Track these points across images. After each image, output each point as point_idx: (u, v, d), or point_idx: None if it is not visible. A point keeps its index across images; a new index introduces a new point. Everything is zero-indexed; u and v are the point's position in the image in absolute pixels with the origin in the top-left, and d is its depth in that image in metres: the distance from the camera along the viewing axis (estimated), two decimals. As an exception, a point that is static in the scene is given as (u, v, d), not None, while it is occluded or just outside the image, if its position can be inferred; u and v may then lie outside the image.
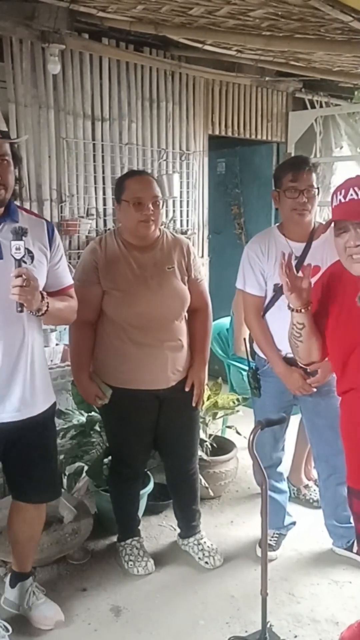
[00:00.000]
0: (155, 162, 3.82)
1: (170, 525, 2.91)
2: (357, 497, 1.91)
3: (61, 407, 2.99)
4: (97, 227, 3.57)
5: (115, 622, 2.29)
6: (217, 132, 4.18)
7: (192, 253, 2.50)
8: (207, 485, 3.03)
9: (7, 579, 2.32)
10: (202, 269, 2.64)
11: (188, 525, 2.72)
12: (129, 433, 2.50)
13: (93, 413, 2.81)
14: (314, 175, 2.39)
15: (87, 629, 2.26)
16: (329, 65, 3.52)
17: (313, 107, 4.57)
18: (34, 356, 1.98)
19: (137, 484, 2.69)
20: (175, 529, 2.83)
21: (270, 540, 2.68)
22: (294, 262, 2.41)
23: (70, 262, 3.40)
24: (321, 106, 4.58)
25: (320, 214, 4.66)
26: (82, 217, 3.50)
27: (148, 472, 2.89)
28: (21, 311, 1.78)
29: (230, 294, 2.92)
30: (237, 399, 3.21)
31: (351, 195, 1.64)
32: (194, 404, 2.52)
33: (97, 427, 2.80)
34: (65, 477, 2.85)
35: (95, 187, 3.56)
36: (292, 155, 4.44)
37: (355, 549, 2.57)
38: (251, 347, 2.64)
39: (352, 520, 2.07)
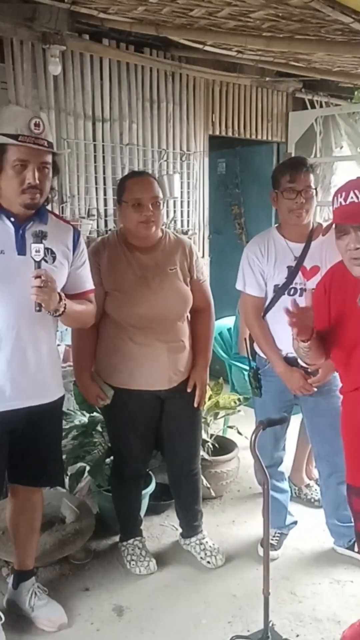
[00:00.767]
0: (155, 163, 3.83)
1: (172, 525, 2.92)
2: (357, 494, 1.92)
3: (63, 407, 3.00)
4: (98, 227, 3.58)
5: (118, 622, 2.30)
6: (217, 133, 4.18)
7: (195, 254, 2.51)
8: (208, 485, 3.04)
9: (10, 580, 2.33)
10: (205, 269, 2.65)
11: (190, 525, 2.73)
12: (131, 433, 2.51)
13: (95, 413, 2.82)
14: (311, 176, 2.39)
15: (90, 628, 2.27)
16: (329, 66, 3.53)
17: (313, 107, 4.57)
18: (49, 349, 2.06)
19: (139, 484, 2.70)
20: (177, 529, 2.83)
21: (272, 539, 2.69)
22: (293, 263, 2.45)
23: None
24: (321, 106, 4.58)
25: (320, 213, 4.67)
26: (83, 217, 3.51)
27: (150, 472, 2.90)
28: (39, 310, 1.86)
29: (230, 294, 2.92)
30: (238, 399, 3.22)
31: (351, 198, 1.65)
32: (195, 405, 2.53)
33: (98, 428, 2.81)
34: (67, 477, 2.86)
35: (96, 188, 3.56)
36: (293, 155, 4.45)
37: (356, 548, 2.58)
38: (252, 347, 2.65)
39: (352, 519, 2.08)
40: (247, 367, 2.72)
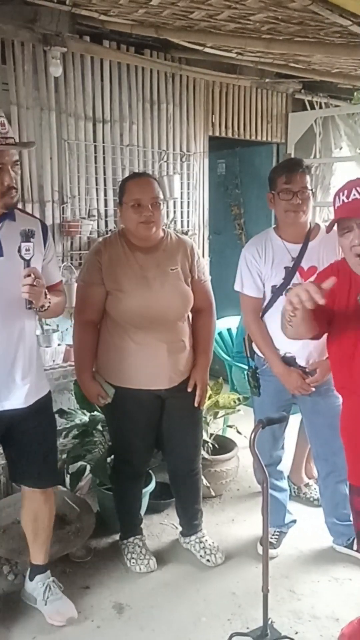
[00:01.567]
0: (156, 164, 3.84)
1: (172, 524, 2.94)
2: (357, 494, 1.93)
3: (63, 406, 3.02)
4: (98, 228, 3.60)
5: (118, 619, 2.32)
6: (217, 134, 4.20)
7: (196, 254, 2.53)
8: (208, 484, 3.06)
9: (27, 573, 2.37)
10: (206, 269, 2.67)
11: (190, 523, 2.75)
12: (132, 432, 2.53)
13: (95, 412, 2.84)
14: (307, 177, 2.41)
15: (90, 625, 2.28)
16: (328, 67, 3.55)
17: (313, 108, 4.59)
18: (32, 347, 2.11)
19: (140, 482, 2.72)
20: (177, 527, 2.85)
21: (271, 538, 2.71)
22: (290, 264, 2.45)
23: (72, 263, 3.44)
24: (320, 107, 4.60)
25: (320, 214, 4.69)
26: (84, 218, 3.52)
27: (150, 471, 2.92)
28: (30, 308, 1.91)
29: (230, 295, 2.94)
30: (238, 399, 3.24)
31: (354, 195, 1.66)
32: (196, 404, 2.55)
33: (99, 427, 2.83)
34: (68, 476, 2.88)
35: (97, 189, 3.58)
36: (292, 155, 4.47)
37: (355, 546, 2.60)
38: (250, 346, 2.67)
39: (351, 517, 2.09)
40: (247, 367, 2.74)
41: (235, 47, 3.11)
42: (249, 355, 2.70)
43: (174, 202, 3.96)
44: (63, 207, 3.43)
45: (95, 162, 3.56)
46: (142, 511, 2.81)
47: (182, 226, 4.04)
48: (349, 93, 4.50)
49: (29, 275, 1.86)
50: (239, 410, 3.25)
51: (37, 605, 2.31)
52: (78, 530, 2.66)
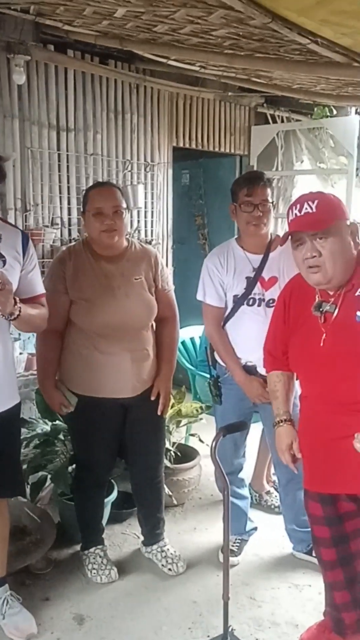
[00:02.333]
0: (120, 173, 3.86)
1: (134, 533, 2.93)
2: (313, 499, 1.96)
3: (25, 416, 2.98)
4: (61, 236, 3.59)
5: (79, 631, 2.30)
6: (181, 144, 4.25)
7: (160, 263, 2.55)
8: (170, 492, 3.06)
9: None
10: (170, 279, 2.69)
11: (152, 532, 2.74)
12: (94, 441, 2.52)
13: (57, 422, 2.82)
14: (268, 189, 2.47)
15: (50, 638, 2.25)
16: (289, 83, 3.63)
17: (275, 122, 4.68)
18: (3, 355, 2.04)
19: (102, 492, 2.70)
20: (139, 537, 2.85)
21: (232, 545, 2.73)
22: (251, 274, 2.51)
23: (34, 272, 3.41)
24: (282, 121, 4.70)
25: (282, 225, 4.78)
26: (47, 226, 3.51)
27: (112, 481, 2.90)
28: None
29: (194, 304, 2.96)
30: (201, 407, 3.26)
31: (306, 209, 1.71)
32: (159, 413, 2.56)
33: (61, 436, 2.81)
34: (28, 486, 2.84)
35: (60, 197, 3.57)
36: (255, 168, 4.55)
37: (314, 552, 2.64)
38: (212, 355, 2.70)
39: (309, 523, 2.13)
40: (209, 376, 2.76)
41: (198, 60, 3.15)
42: (211, 363, 2.73)
43: (138, 212, 3.98)
44: (26, 215, 3.40)
45: (59, 171, 3.56)
46: (104, 521, 2.79)
47: (146, 236, 4.06)
48: (309, 108, 4.61)
49: None
50: (201, 419, 3.27)
51: None
52: (38, 542, 2.63)
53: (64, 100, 3.52)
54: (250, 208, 2.44)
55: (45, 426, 2.87)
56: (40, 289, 2.16)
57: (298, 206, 1.73)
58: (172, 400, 3.08)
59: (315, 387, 1.84)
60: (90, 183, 3.45)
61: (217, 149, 4.53)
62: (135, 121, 3.89)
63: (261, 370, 2.52)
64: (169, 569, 2.64)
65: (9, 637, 2.22)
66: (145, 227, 4.08)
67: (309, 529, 2.46)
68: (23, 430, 2.77)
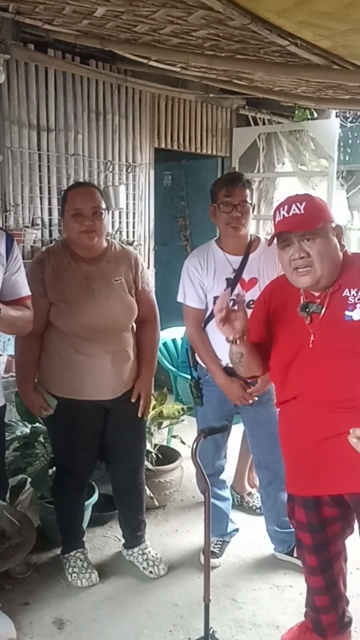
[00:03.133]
0: (101, 174, 3.84)
1: (115, 536, 2.91)
2: (298, 503, 1.96)
3: (5, 418, 2.95)
4: (42, 237, 3.56)
5: (59, 635, 2.27)
6: (163, 146, 4.24)
7: (141, 265, 2.53)
8: (152, 495, 3.05)
9: None
10: (151, 280, 2.68)
11: (133, 535, 2.73)
12: (74, 443, 2.50)
13: (37, 424, 2.79)
14: (247, 190, 2.47)
15: (30, 643, 2.23)
16: (270, 85, 3.64)
17: (256, 124, 4.70)
18: None
19: (82, 494, 2.68)
20: (120, 540, 2.83)
21: (214, 547, 2.73)
22: (231, 275, 2.51)
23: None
24: (264, 123, 4.71)
25: (263, 227, 4.80)
26: (27, 227, 3.48)
27: (93, 483, 2.88)
28: None
29: (175, 305, 2.96)
30: (182, 409, 3.25)
31: (294, 210, 1.72)
32: (139, 415, 2.55)
33: (41, 439, 2.78)
34: (8, 489, 2.81)
35: (41, 197, 3.54)
36: (237, 169, 4.56)
37: (295, 553, 2.64)
38: (193, 357, 2.69)
39: (291, 526, 2.13)
40: (190, 377, 2.76)
41: (179, 61, 3.15)
42: (191, 365, 2.72)
43: (120, 213, 3.97)
44: (6, 216, 3.37)
45: (40, 171, 3.53)
46: (85, 524, 2.77)
47: (127, 237, 4.05)
48: (291, 111, 4.64)
49: None
50: (183, 420, 3.27)
51: None
52: (18, 546, 2.58)
53: (45, 100, 3.49)
54: (229, 209, 2.45)
55: (25, 429, 2.84)
56: (25, 291, 2.13)
57: (286, 207, 1.74)
58: (154, 402, 3.08)
59: (304, 387, 1.83)
60: (72, 183, 3.43)
61: (199, 151, 4.53)
62: (116, 122, 3.87)
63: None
64: (150, 572, 2.62)
65: None
66: (127, 228, 4.06)
67: (290, 530, 2.48)
68: (2, 433, 2.74)
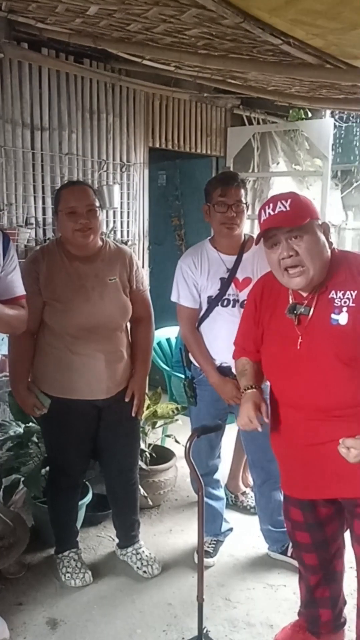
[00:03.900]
0: (95, 173, 3.83)
1: (109, 536, 2.91)
2: (293, 504, 1.96)
3: (-3, 418, 2.95)
4: (36, 236, 3.54)
5: (52, 635, 2.27)
6: (157, 145, 4.23)
7: (135, 264, 2.53)
8: (146, 494, 3.04)
9: None
10: (145, 279, 2.67)
11: (127, 535, 2.72)
12: (68, 443, 2.50)
13: (30, 424, 2.78)
14: (242, 190, 2.47)
15: (22, 643, 2.23)
16: (264, 85, 3.64)
17: (251, 123, 4.69)
18: None
19: (76, 494, 2.68)
20: (114, 540, 2.83)
21: (208, 547, 2.73)
22: (225, 275, 2.50)
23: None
24: (258, 123, 4.71)
25: (257, 227, 4.78)
26: (21, 226, 3.47)
27: (87, 483, 2.88)
28: None
29: (170, 305, 2.96)
30: (177, 408, 3.25)
31: (280, 207, 1.69)
32: (133, 414, 2.54)
33: (34, 438, 2.77)
34: (1, 489, 2.80)
35: (35, 197, 3.53)
36: (231, 169, 4.56)
37: (289, 552, 2.64)
38: (187, 356, 2.69)
39: (285, 526, 2.12)
40: (183, 377, 2.76)
41: (173, 60, 3.15)
42: (185, 364, 2.72)
43: (114, 212, 3.96)
44: (-1, 215, 3.36)
45: (34, 170, 3.51)
46: (79, 524, 2.77)
47: (122, 236, 4.04)
48: (285, 110, 4.64)
49: None
50: (177, 419, 3.26)
51: None
52: (11, 546, 2.59)
53: (39, 99, 3.48)
54: (224, 208, 2.44)
55: (18, 428, 2.83)
56: (20, 290, 2.11)
57: (271, 205, 1.71)
58: (148, 402, 3.07)
59: (292, 391, 1.81)
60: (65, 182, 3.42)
61: (193, 150, 4.52)
62: (110, 121, 3.86)
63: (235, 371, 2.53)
64: (144, 572, 2.62)
65: None
66: (121, 227, 4.05)
67: (284, 529, 2.48)
68: (-5, 433, 2.74)
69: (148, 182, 4.21)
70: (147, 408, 3.11)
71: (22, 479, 2.70)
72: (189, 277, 2.53)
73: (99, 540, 2.91)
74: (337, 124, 5.07)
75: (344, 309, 1.69)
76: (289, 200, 1.70)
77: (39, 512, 2.80)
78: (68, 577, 2.55)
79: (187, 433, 2.46)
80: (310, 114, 4.61)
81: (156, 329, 2.70)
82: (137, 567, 2.64)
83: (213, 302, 2.51)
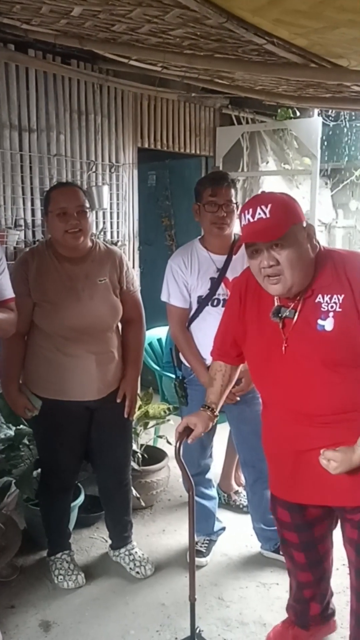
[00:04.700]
0: (84, 174, 3.83)
1: (102, 537, 2.90)
2: (281, 505, 1.95)
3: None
4: (25, 238, 3.54)
5: (45, 638, 2.27)
6: (146, 145, 4.23)
7: (125, 264, 2.53)
8: (138, 495, 3.04)
9: None
10: (136, 280, 2.67)
11: (120, 536, 2.72)
12: (60, 444, 2.50)
13: (22, 426, 2.77)
14: (232, 190, 2.47)
15: (15, 646, 2.22)
16: (251, 84, 3.65)
17: (240, 123, 4.70)
18: None
19: (68, 496, 2.67)
20: (106, 541, 2.82)
21: (201, 546, 2.73)
22: (215, 275, 2.50)
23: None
24: (247, 122, 4.72)
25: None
26: (10, 228, 3.45)
27: (79, 484, 2.87)
28: None
29: (161, 305, 2.96)
30: (168, 409, 3.25)
31: (259, 214, 1.61)
32: (125, 415, 2.54)
33: (26, 441, 2.77)
34: (-8, 493, 2.80)
35: (24, 198, 3.52)
36: (221, 168, 4.56)
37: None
38: (177, 356, 2.69)
39: (275, 525, 2.12)
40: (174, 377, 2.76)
41: (159, 61, 3.15)
42: (176, 364, 2.72)
43: (104, 213, 3.95)
44: (-13, 216, 3.35)
45: (22, 172, 3.51)
46: (71, 525, 2.76)
47: (112, 237, 4.04)
48: (273, 110, 4.65)
49: None
50: (169, 420, 3.26)
51: None
52: (3, 548, 2.57)
53: (26, 100, 3.47)
54: (214, 208, 2.45)
55: (9, 431, 2.82)
56: (9, 293, 2.11)
57: (250, 211, 1.62)
58: (140, 402, 3.07)
59: (278, 395, 1.79)
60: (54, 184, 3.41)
61: (182, 150, 4.52)
62: (99, 122, 3.86)
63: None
64: (137, 572, 2.62)
65: None
66: (111, 228, 4.05)
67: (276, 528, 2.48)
68: (-14, 435, 2.73)
69: (138, 182, 4.21)
70: (139, 409, 3.11)
71: (14, 481, 2.70)
72: (179, 277, 2.53)
73: (91, 542, 2.90)
74: (326, 122, 5.08)
75: (331, 314, 1.64)
76: (269, 206, 1.60)
77: (31, 515, 2.79)
78: (61, 579, 2.55)
79: (178, 433, 2.47)
80: (298, 113, 4.63)
81: (147, 329, 2.70)
82: (130, 568, 2.64)
83: (203, 302, 2.52)
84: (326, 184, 5.68)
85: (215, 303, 2.52)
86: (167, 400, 3.58)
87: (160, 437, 3.41)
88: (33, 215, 3.58)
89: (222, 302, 2.51)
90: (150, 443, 3.45)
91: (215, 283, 2.51)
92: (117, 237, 4.08)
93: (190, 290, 2.54)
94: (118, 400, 2.51)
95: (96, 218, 3.89)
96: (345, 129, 5.41)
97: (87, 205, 2.38)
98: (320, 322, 1.65)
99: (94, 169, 3.87)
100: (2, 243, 3.37)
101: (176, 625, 2.33)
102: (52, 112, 3.61)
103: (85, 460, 2.66)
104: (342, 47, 2.46)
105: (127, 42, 2.80)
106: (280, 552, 2.63)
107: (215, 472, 2.93)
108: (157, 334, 3.88)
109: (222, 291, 2.51)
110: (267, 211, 1.60)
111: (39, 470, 2.67)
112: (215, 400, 2.02)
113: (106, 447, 2.57)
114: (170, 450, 3.30)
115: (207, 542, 2.78)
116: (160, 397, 3.70)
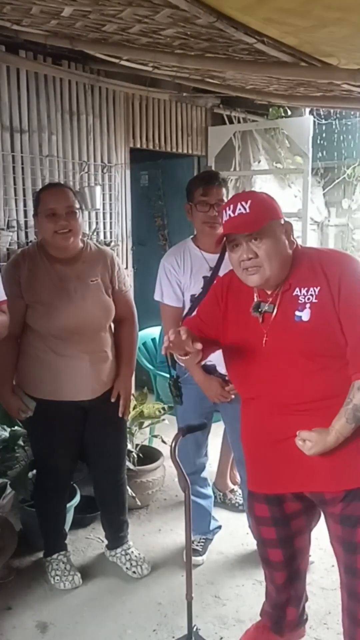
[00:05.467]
0: (76, 175, 3.82)
1: (98, 538, 2.91)
2: (258, 500, 1.95)
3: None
4: (18, 239, 3.53)
5: (42, 639, 2.27)
6: (138, 145, 4.23)
7: (117, 264, 2.53)
8: (134, 495, 3.05)
9: None
10: (127, 279, 2.68)
11: (116, 536, 2.73)
12: (54, 445, 2.50)
13: (16, 428, 2.77)
14: (224, 189, 2.49)
15: (12, 648, 2.22)
16: (242, 83, 3.65)
17: (231, 122, 4.71)
18: None
19: (63, 496, 2.67)
20: (102, 541, 2.82)
21: (197, 545, 2.73)
22: (208, 274, 2.51)
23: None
24: (239, 122, 4.73)
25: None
26: (2, 229, 3.44)
27: (74, 485, 2.87)
28: None
29: (154, 305, 2.96)
30: (163, 408, 3.25)
31: (240, 210, 1.69)
32: (120, 415, 2.54)
33: (21, 442, 2.77)
34: (-12, 494, 2.79)
35: (16, 199, 3.51)
36: (213, 168, 4.57)
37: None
38: (172, 355, 2.68)
39: (252, 524, 2.07)
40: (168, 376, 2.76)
41: (150, 61, 3.15)
42: (170, 364, 2.72)
43: (96, 214, 3.95)
44: (-21, 218, 3.34)
45: (14, 173, 3.49)
46: (67, 526, 2.76)
47: (104, 237, 4.03)
48: (265, 109, 4.65)
49: None
50: (164, 419, 3.27)
51: None
52: (-1, 550, 2.58)
53: (17, 101, 3.46)
54: (206, 208, 2.46)
55: (4, 432, 2.82)
56: (1, 295, 2.11)
57: (231, 207, 1.71)
58: (134, 402, 3.07)
59: (258, 388, 1.81)
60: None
61: (174, 150, 4.52)
62: (90, 122, 3.86)
63: (221, 369, 2.53)
64: (134, 572, 2.62)
65: None
66: (104, 228, 4.05)
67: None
68: (-20, 437, 2.73)
69: (130, 182, 4.20)
70: (134, 408, 3.12)
71: (9, 482, 2.70)
72: (172, 276, 2.54)
73: (87, 542, 2.90)
74: (317, 121, 5.10)
75: (307, 305, 1.70)
76: (248, 202, 1.69)
77: (27, 516, 2.79)
78: (57, 580, 2.55)
79: (174, 433, 2.47)
80: (289, 112, 4.64)
81: (141, 328, 2.71)
82: (127, 568, 2.64)
83: (196, 301, 2.52)
84: (318, 182, 5.69)
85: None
86: (161, 400, 3.59)
87: (156, 436, 3.42)
88: (25, 216, 3.57)
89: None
90: (146, 443, 3.45)
91: (208, 282, 2.52)
92: (110, 237, 4.07)
93: (183, 289, 2.55)
94: (112, 400, 2.52)
95: (89, 218, 3.89)
96: (337, 128, 5.43)
97: (77, 205, 2.38)
98: (297, 313, 1.71)
99: (86, 170, 3.87)
100: (-5, 244, 3.37)
101: (173, 623, 2.34)
102: (44, 112, 3.60)
103: (81, 460, 2.66)
104: (331, 45, 2.47)
105: (117, 42, 2.79)
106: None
107: (210, 470, 2.94)
108: (151, 333, 3.88)
109: None
110: (246, 206, 1.68)
111: (34, 471, 2.67)
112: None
113: (101, 447, 2.58)
114: (165, 450, 3.31)
115: (203, 540, 2.79)
116: (154, 397, 3.71)
